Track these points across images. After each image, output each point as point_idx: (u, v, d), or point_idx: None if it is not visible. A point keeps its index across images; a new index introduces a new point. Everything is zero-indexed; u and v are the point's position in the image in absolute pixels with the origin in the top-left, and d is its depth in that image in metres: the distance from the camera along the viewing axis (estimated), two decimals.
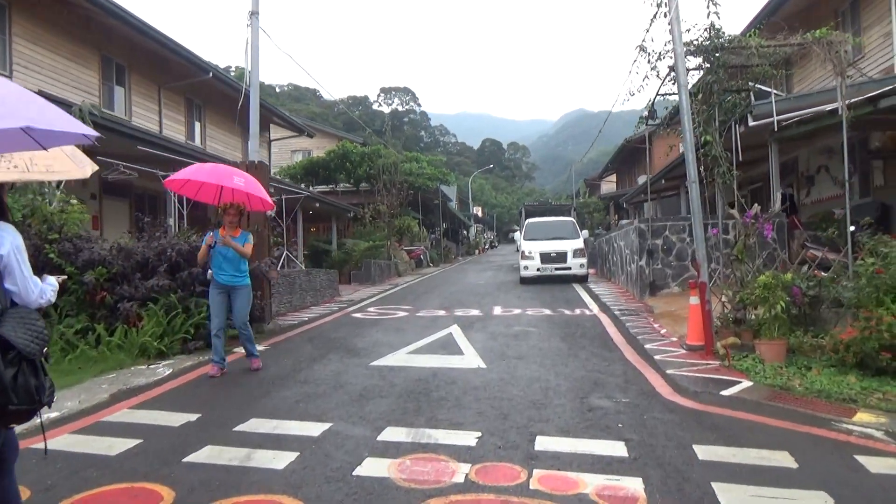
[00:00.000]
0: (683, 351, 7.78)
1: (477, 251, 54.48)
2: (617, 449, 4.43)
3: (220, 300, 6.87)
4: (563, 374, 6.74)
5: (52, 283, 2.95)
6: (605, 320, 10.56)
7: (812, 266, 8.34)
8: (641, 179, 31.16)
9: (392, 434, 4.76)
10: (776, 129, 12.61)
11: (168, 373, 6.81)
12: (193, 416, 5.20)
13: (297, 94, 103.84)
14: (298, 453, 4.33)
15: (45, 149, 2.78)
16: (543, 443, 4.56)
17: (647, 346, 8.18)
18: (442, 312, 11.96)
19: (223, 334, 6.95)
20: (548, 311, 11.78)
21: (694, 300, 7.96)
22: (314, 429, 4.88)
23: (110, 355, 7.18)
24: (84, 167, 5.71)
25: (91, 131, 2.67)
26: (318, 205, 21.75)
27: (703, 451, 4.36)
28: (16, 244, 2.68)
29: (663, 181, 21.05)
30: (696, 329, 7.88)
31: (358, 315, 11.91)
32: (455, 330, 9.70)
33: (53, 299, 2.91)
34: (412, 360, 7.55)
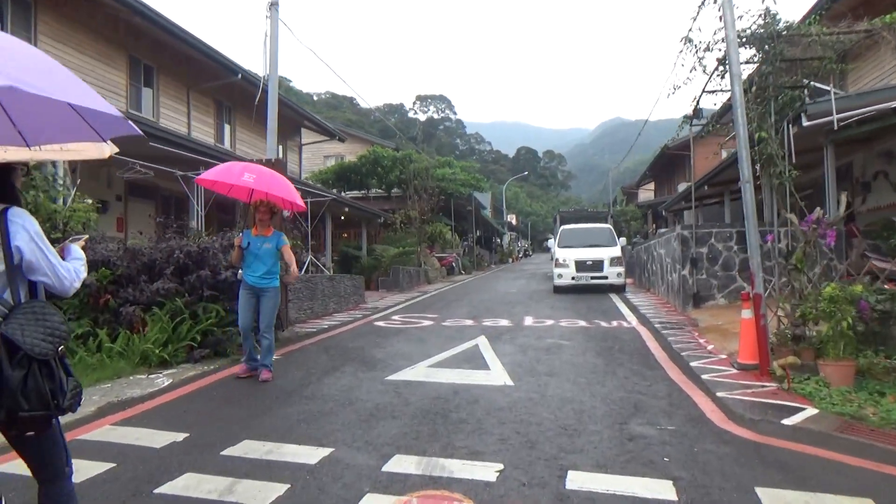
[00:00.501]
0: (734, 370, 6.98)
1: (510, 259, 53.66)
2: (664, 490, 3.72)
3: (248, 301, 6.68)
4: (599, 395, 6.02)
5: (78, 254, 2.63)
6: (645, 334, 9.77)
7: (883, 278, 7.46)
8: (681, 187, 30.07)
9: (400, 464, 4.12)
10: (834, 130, 11.70)
11: (167, 384, 6.29)
12: (181, 436, 4.64)
13: (334, 102, 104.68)
14: (289, 486, 3.72)
15: (102, 139, 2.65)
16: (576, 480, 3.87)
17: (693, 363, 7.39)
18: (469, 322, 11.30)
19: (252, 336, 6.79)
20: (583, 323, 11.03)
21: (747, 314, 7.17)
22: (312, 455, 4.27)
23: (110, 363, 6.70)
24: (101, 148, 5.32)
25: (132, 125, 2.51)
26: (347, 209, 21.32)
27: (769, 497, 3.63)
28: (34, 231, 2.41)
29: (706, 188, 20.08)
30: (749, 346, 7.08)
31: (381, 323, 11.32)
32: (482, 341, 9.03)
33: (86, 273, 2.65)
34: (432, 374, 6.90)
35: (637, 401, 5.82)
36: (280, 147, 24.63)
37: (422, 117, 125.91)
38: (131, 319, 7.15)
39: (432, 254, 28.44)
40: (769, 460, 4.29)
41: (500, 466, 4.08)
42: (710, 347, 8.32)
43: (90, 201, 9.38)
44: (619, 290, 16.93)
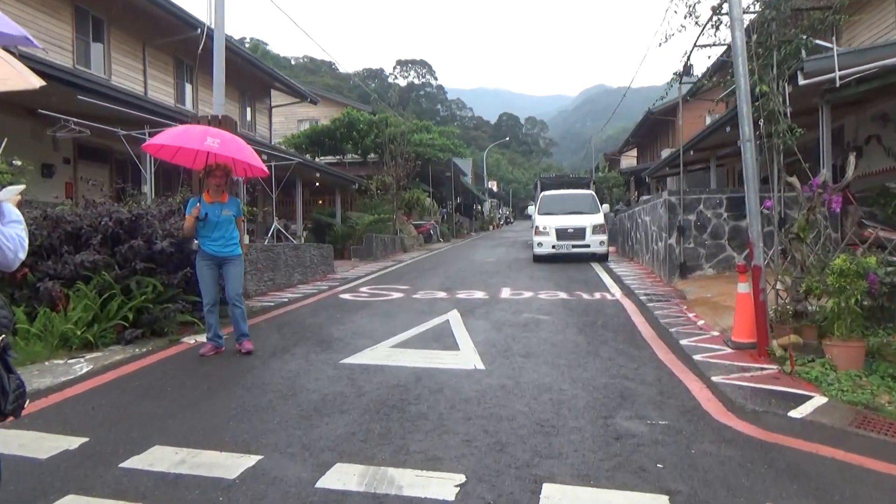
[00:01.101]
0: (729, 350, 6.31)
1: (491, 227, 52.97)
2: None
3: (209, 273, 6.28)
4: (580, 381, 5.31)
5: (14, 215, 2.24)
6: (630, 307, 9.09)
7: (891, 248, 6.79)
8: (665, 153, 29.36)
9: (340, 476, 3.37)
10: (830, 89, 10.97)
11: (85, 370, 5.46)
12: (77, 442, 3.83)
13: (312, 67, 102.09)
14: None
15: None
16: (552, 496, 3.16)
17: (683, 341, 6.72)
18: (442, 294, 10.55)
19: (217, 310, 6.38)
20: (563, 295, 10.32)
21: (743, 287, 6.49)
22: (234, 466, 3.50)
23: (25, 347, 5.85)
24: (28, 77, 4.48)
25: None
26: (318, 175, 20.33)
27: None
28: None
29: (692, 153, 19.38)
30: (745, 323, 6.41)
31: (346, 296, 10.52)
32: (454, 317, 8.29)
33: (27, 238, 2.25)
34: (394, 356, 6.15)
35: (623, 388, 5.11)
36: (248, 109, 23.49)
37: (402, 82, 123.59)
38: (52, 296, 6.28)
39: (409, 221, 27.60)
40: (780, 465, 3.61)
41: (462, 478, 3.35)
42: (700, 323, 7.66)
43: (19, 163, 8.41)
44: (601, 259, 16.26)
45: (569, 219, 16.37)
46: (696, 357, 6.06)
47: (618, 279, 12.35)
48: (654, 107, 26.48)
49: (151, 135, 10.08)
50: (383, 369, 5.66)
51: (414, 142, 28.72)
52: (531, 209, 18.22)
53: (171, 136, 6.39)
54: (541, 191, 21.19)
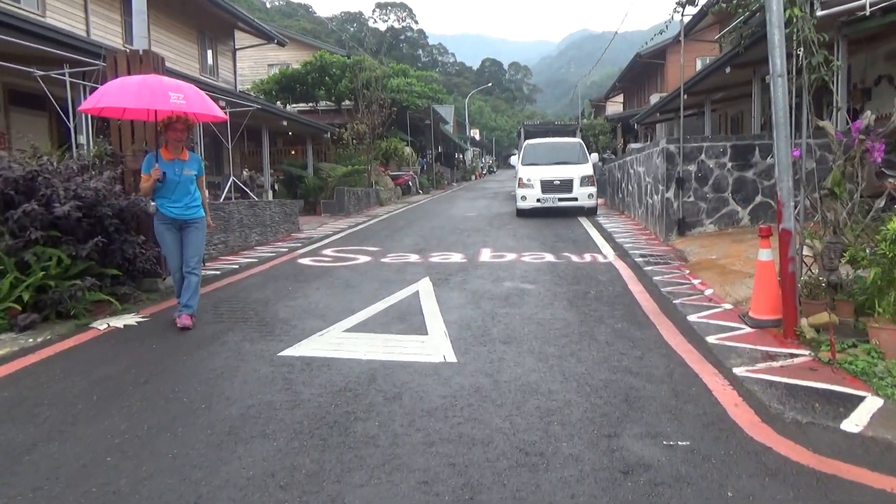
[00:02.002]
0: (748, 329, 5.31)
1: (473, 176, 51.61)
2: None
3: (171, 237, 5.75)
4: (573, 377, 4.26)
5: None
6: (626, 272, 8.03)
7: None
8: (654, 99, 28.04)
9: None
10: (849, 22, 9.80)
11: None
12: None
13: (288, 10, 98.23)
14: None
15: None
16: None
17: (692, 317, 5.71)
18: (414, 258, 9.42)
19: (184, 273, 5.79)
20: (550, 257, 9.23)
21: (766, 254, 5.44)
22: None
23: None
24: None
25: None
26: (285, 123, 18.84)
27: None
28: None
29: (685, 97, 18.19)
30: (767, 296, 5.38)
31: (306, 261, 9.35)
32: (424, 287, 7.20)
33: None
34: (347, 344, 5.05)
35: (628, 388, 4.07)
36: (209, 52, 21.72)
37: (382, 27, 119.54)
38: None
39: (386, 172, 26.24)
40: None
41: None
42: (707, 292, 6.63)
43: None
44: (590, 213, 15.15)
45: (555, 170, 15.16)
46: (711, 339, 5.05)
47: (609, 237, 11.28)
48: (645, 48, 25.01)
49: (73, 75, 8.69)
50: (331, 364, 4.56)
51: (391, 87, 27.10)
52: (514, 159, 16.96)
53: (120, 96, 5.59)
54: (524, 139, 19.91)
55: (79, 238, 5.80)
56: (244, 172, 18.54)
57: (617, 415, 3.67)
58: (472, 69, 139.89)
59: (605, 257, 9.16)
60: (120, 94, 5.63)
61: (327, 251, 10.26)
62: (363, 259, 9.35)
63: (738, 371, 4.33)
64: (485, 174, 58.88)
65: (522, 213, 15.40)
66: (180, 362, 4.65)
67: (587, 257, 9.19)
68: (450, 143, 47.53)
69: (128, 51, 7.02)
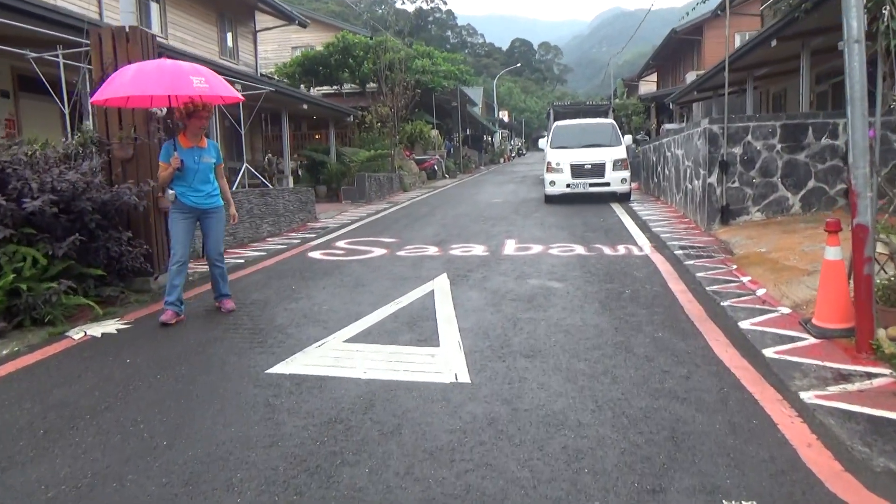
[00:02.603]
0: (812, 339, 4.54)
1: (502, 159, 50.63)
2: None
3: (185, 226, 5.57)
4: (608, 405, 3.57)
5: None
6: (664, 267, 7.26)
7: None
8: (690, 77, 26.78)
9: None
10: None
11: None
12: None
13: None
14: None
15: None
16: None
17: (744, 324, 4.96)
18: (433, 250, 8.75)
19: (185, 270, 5.61)
20: (580, 250, 8.48)
21: (833, 252, 4.66)
22: None
23: None
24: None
25: None
26: (305, 106, 18.25)
27: None
28: None
29: (727, 72, 17.14)
30: (836, 302, 4.61)
31: (316, 254, 8.75)
32: (441, 285, 6.53)
33: None
34: (347, 358, 4.41)
35: (674, 420, 3.36)
36: (229, 34, 21.19)
37: (410, 8, 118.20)
38: None
39: (411, 156, 25.56)
40: None
41: None
42: (760, 292, 5.84)
43: None
44: (623, 199, 14.28)
45: (586, 153, 14.30)
46: (769, 353, 4.31)
47: (644, 226, 10.46)
48: (682, 22, 23.78)
49: (67, 56, 8.17)
50: (324, 385, 3.93)
51: (416, 69, 26.32)
52: (542, 142, 16.11)
53: (139, 83, 5.31)
54: (554, 121, 19.02)
55: (56, 236, 5.27)
56: (266, 157, 18.02)
57: (662, 458, 2.97)
58: (502, 50, 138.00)
59: (640, 249, 8.38)
60: (138, 82, 5.32)
61: (341, 243, 9.65)
62: (378, 252, 8.72)
63: (807, 397, 3.59)
64: (514, 157, 57.77)
65: (551, 200, 14.60)
66: (152, 382, 4.06)
67: (621, 249, 8.42)
68: (478, 126, 46.59)
69: (112, 27, 6.42)
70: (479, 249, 8.69)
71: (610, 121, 16.21)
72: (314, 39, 31.59)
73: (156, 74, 5.31)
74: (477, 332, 4.94)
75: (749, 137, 9.21)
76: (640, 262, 7.59)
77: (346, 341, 4.79)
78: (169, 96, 5.73)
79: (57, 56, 7.90)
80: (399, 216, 13.49)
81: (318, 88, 30.41)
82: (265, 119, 24.61)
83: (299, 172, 22.14)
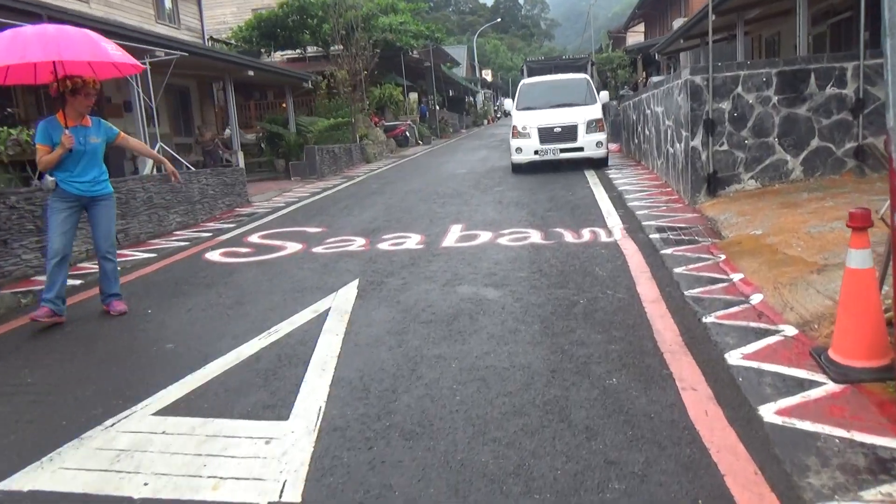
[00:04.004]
0: (831, 385, 3.10)
1: (486, 121, 48.68)
2: None
3: (68, 217, 4.98)
4: None
5: None
6: (635, 260, 5.76)
7: None
8: (677, 24, 24.93)
9: None
10: None
11: None
12: None
13: None
14: None
15: None
16: None
17: (731, 356, 3.52)
18: (358, 244, 7.22)
19: (67, 265, 4.99)
20: (536, 236, 6.96)
21: (860, 258, 3.20)
22: None
23: None
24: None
25: None
26: (251, 73, 16.45)
27: None
28: None
29: (713, 16, 15.41)
30: (864, 327, 3.17)
31: (214, 255, 7.19)
32: (342, 301, 5.03)
33: None
34: (130, 457, 2.90)
35: None
36: None
37: None
38: None
39: (380, 123, 23.79)
40: None
41: None
42: (754, 299, 4.37)
43: None
44: (600, 164, 12.69)
45: (555, 114, 12.64)
46: (770, 415, 2.92)
47: (619, 200, 8.91)
48: None
49: None
50: None
51: (381, 27, 24.36)
52: (508, 103, 14.40)
53: (14, 50, 4.53)
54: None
55: None
56: (205, 135, 16.31)
57: None
58: (487, 6, 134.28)
59: (609, 234, 6.85)
60: (14, 49, 4.50)
61: (255, 237, 8.06)
62: (291, 249, 7.18)
63: None
64: (499, 118, 55.71)
65: (518, 169, 13.01)
66: None
67: (585, 234, 6.90)
68: (458, 87, 44.54)
69: None
70: (414, 240, 7.16)
71: (583, 76, 14.41)
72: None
73: (37, 40, 4.55)
74: (354, 389, 3.46)
75: (739, 89, 7.63)
76: (606, 252, 6.08)
77: (155, 414, 3.31)
78: (55, 68, 4.89)
79: None
80: (344, 195, 11.89)
81: (282, 53, 28.44)
82: (217, 90, 22.80)
83: (262, 146, 20.47)
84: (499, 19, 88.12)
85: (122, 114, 14.70)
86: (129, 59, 5.10)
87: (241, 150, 18.70)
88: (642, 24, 40.22)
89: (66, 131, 4.80)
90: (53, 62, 4.82)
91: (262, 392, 3.49)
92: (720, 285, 4.77)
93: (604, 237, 6.71)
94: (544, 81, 14.54)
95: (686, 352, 3.71)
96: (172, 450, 2.93)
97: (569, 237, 6.81)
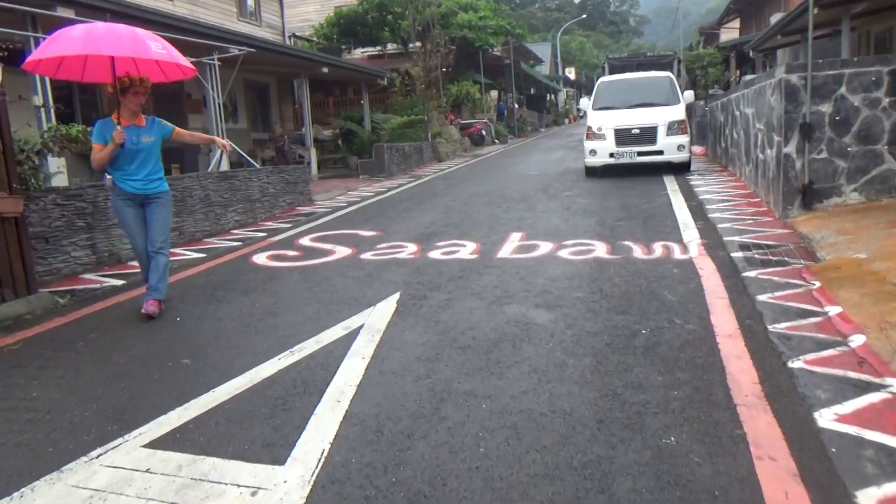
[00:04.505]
0: None
1: (567, 120, 47.48)
2: None
3: (134, 214, 5.07)
4: None
5: None
6: (712, 283, 5.06)
7: None
8: (774, 19, 23.26)
9: None
10: None
11: None
12: None
13: None
14: None
15: None
16: None
17: (823, 416, 2.87)
18: (409, 251, 6.80)
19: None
20: (601, 250, 6.33)
21: None
22: None
23: None
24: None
25: None
26: (325, 70, 16.41)
27: None
28: None
29: (815, 10, 14.13)
30: None
31: (261, 258, 6.92)
32: (377, 316, 4.62)
33: None
34: (103, 499, 2.62)
35: None
36: None
37: None
38: None
39: (455, 121, 23.40)
40: None
41: None
42: (854, 341, 3.66)
43: None
44: (681, 169, 11.79)
45: (633, 115, 11.81)
46: None
47: (699, 210, 8.11)
48: None
49: None
50: None
51: (459, 23, 23.95)
52: (584, 102, 13.63)
53: (90, 43, 4.59)
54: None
55: None
56: (276, 130, 16.40)
57: None
58: (574, 2, 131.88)
59: (684, 250, 6.14)
60: (91, 42, 4.58)
61: (306, 239, 7.78)
62: (340, 254, 6.85)
63: None
64: (581, 117, 54.29)
65: (592, 173, 12.27)
66: None
67: (657, 249, 6.21)
68: (539, 85, 43.62)
69: None
70: (468, 249, 6.68)
71: (666, 74, 13.41)
72: None
73: (109, 35, 4.64)
74: (367, 429, 3.03)
75: (843, 90, 6.72)
76: (678, 272, 5.41)
77: (146, 445, 2.99)
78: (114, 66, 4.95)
79: None
80: (406, 196, 11.53)
81: (363, 50, 28.54)
82: (302, 86, 23.06)
83: (339, 142, 20.55)
84: (584, 16, 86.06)
85: (201, 110, 14.94)
86: (175, 58, 4.98)
87: (314, 146, 18.79)
88: (737, 19, 38.00)
89: (118, 127, 4.80)
90: (112, 62, 4.91)
91: (266, 426, 3.11)
92: (812, 320, 4.05)
93: (678, 253, 6.01)
94: (623, 79, 13.69)
95: (766, 406, 3.07)
96: (149, 495, 2.58)
97: (638, 252, 6.15)
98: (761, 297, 4.54)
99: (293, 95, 21.54)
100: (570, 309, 4.60)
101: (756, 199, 8.35)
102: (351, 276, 5.84)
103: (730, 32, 39.34)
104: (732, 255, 5.76)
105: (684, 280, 5.16)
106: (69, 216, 6.16)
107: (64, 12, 9.04)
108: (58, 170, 8.39)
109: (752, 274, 5.13)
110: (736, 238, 6.35)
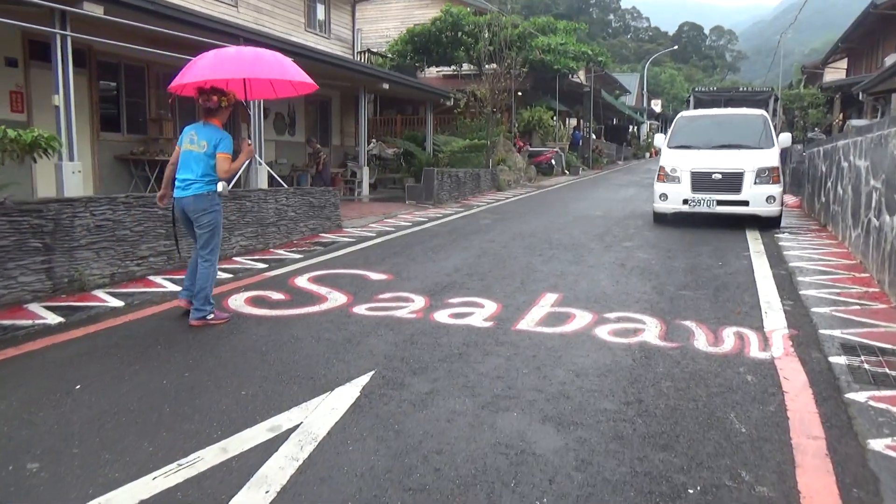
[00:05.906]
0: None
1: (648, 154, 45.26)
2: None
3: (185, 219, 5.13)
4: None
5: None
6: (801, 402, 3.57)
7: None
8: (889, 60, 20.88)
9: None
10: None
11: None
12: None
13: None
14: None
15: None
16: None
17: None
18: (414, 306, 5.54)
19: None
20: (651, 333, 4.87)
21: None
22: None
23: None
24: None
25: None
26: (386, 86, 15.53)
27: None
28: None
29: None
30: None
31: (240, 300, 5.80)
32: (323, 413, 3.40)
33: None
34: None
35: None
36: (320, 5, 19.04)
37: None
38: None
39: (524, 148, 22.11)
40: None
41: None
42: None
43: None
44: (769, 225, 10.08)
45: (716, 157, 10.20)
46: None
47: (788, 282, 6.51)
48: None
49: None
50: None
51: (538, 46, 22.73)
52: (659, 138, 12.09)
53: (216, 67, 5.52)
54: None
55: None
56: (314, 145, 15.59)
57: None
58: (668, 35, 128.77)
59: (764, 343, 4.63)
60: (217, 66, 5.51)
61: (304, 277, 6.63)
62: (331, 303, 5.67)
63: None
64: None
65: (661, 219, 10.72)
66: None
67: (728, 338, 4.72)
68: (622, 116, 41.76)
69: None
70: (485, 311, 5.37)
71: (759, 112, 11.66)
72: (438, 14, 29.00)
73: (234, 59, 5.63)
74: None
75: None
76: (754, 381, 3.93)
77: None
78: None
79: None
80: (443, 230, 10.27)
81: (438, 69, 27.83)
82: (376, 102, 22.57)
83: (401, 162, 19.73)
84: (675, 47, 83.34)
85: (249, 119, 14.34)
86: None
87: (372, 164, 17.94)
88: (845, 59, 35.11)
89: (245, 137, 4.35)
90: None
91: None
92: None
93: (755, 349, 4.51)
94: (708, 115, 12.05)
95: None
96: None
97: (701, 340, 4.68)
98: (875, 445, 3.06)
99: (357, 111, 20.89)
100: (589, 431, 3.24)
101: (864, 276, 6.66)
102: (325, 339, 4.65)
103: (835, 73, 36.42)
104: (831, 359, 4.24)
105: (761, 398, 3.69)
106: (21, 235, 5.28)
107: (91, 8, 8.46)
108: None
109: (860, 398, 3.63)
110: (837, 332, 4.79)
